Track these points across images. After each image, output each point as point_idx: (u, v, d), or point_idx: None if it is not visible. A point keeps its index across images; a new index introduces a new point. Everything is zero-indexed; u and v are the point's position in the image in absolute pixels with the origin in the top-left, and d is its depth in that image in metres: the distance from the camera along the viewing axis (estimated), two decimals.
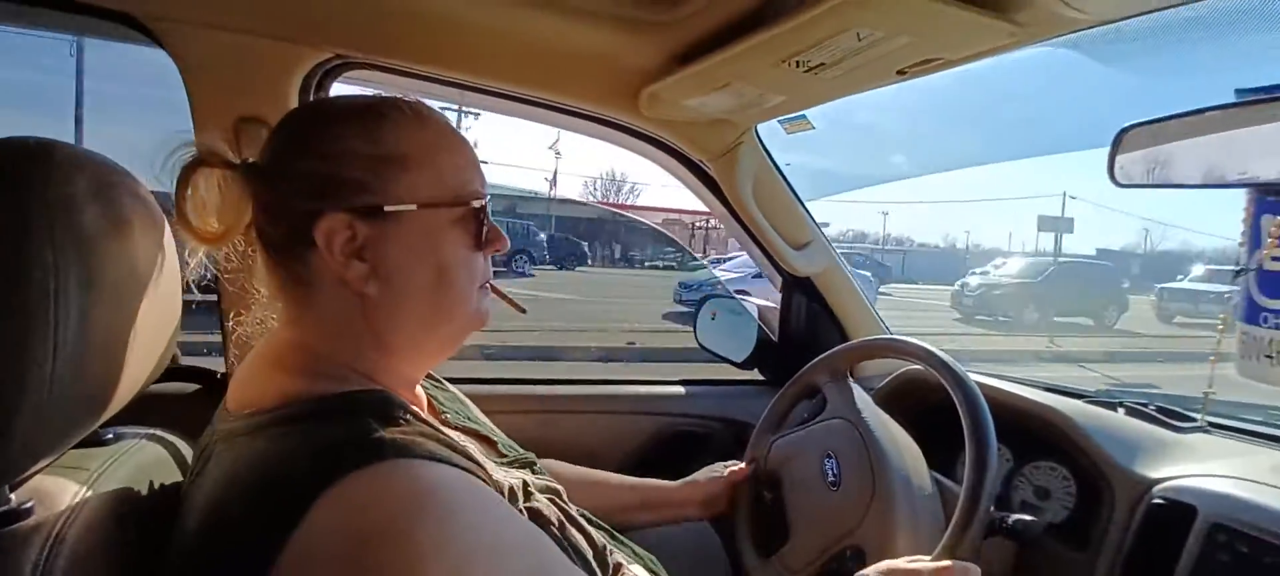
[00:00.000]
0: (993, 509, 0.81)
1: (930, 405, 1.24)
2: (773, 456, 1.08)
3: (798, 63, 0.88)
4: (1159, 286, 15.32)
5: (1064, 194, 28.41)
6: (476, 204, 0.61)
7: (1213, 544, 0.75)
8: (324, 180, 0.56)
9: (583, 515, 0.74)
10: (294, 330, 0.60)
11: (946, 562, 0.75)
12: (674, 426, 1.44)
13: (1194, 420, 1.02)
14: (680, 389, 1.50)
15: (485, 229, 0.62)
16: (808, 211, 1.43)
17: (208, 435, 0.58)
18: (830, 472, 0.98)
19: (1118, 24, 0.75)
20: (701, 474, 1.09)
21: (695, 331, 1.70)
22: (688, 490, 1.06)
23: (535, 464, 0.73)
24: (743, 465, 1.10)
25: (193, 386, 1.11)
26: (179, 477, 0.66)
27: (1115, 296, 14.49)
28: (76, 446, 0.54)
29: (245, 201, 0.59)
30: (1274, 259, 0.87)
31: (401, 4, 0.97)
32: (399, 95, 0.62)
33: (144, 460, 0.63)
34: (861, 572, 0.76)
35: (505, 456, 0.71)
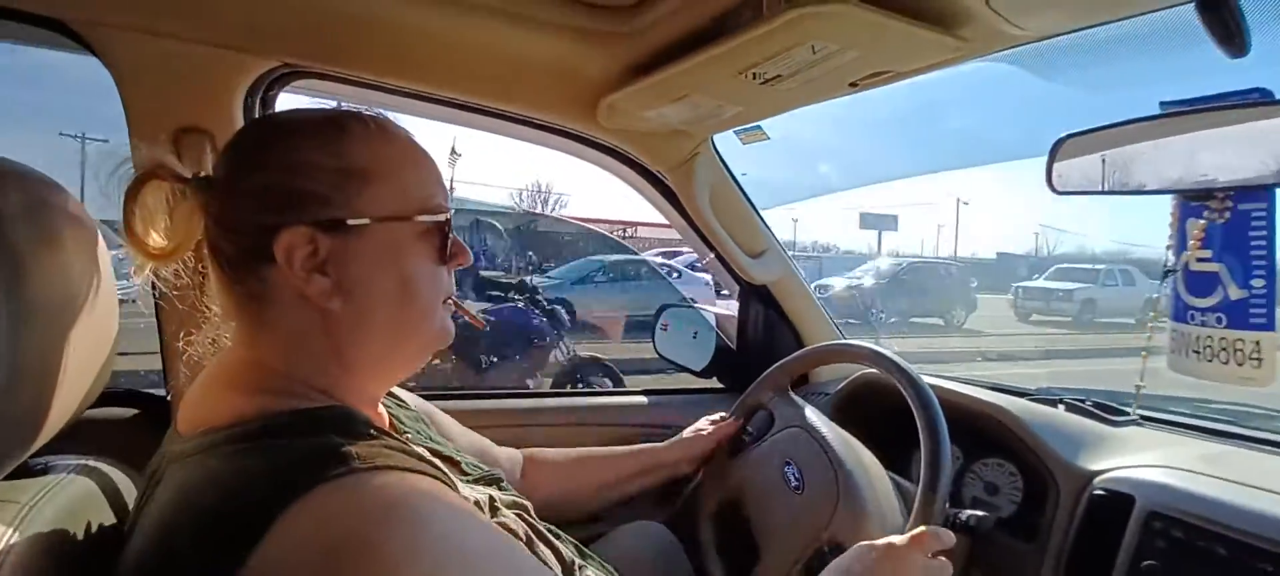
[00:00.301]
0: (947, 505, 0.84)
1: (884, 408, 1.27)
2: (731, 481, 1.08)
3: (754, 75, 0.89)
4: (1015, 285, 15.67)
5: (957, 200, 29.87)
6: (440, 217, 0.60)
7: (1150, 531, 0.79)
8: (284, 194, 0.54)
9: (549, 530, 0.73)
10: (250, 348, 0.58)
11: (921, 528, 0.78)
12: (637, 436, 1.43)
13: (1129, 414, 1.07)
14: (643, 399, 1.50)
15: (449, 242, 0.62)
16: (763, 221, 1.45)
17: (157, 459, 0.56)
18: (792, 478, 1.00)
19: (1054, 40, 0.80)
20: (688, 431, 1.15)
21: (654, 341, 1.71)
22: (678, 449, 1.12)
23: (501, 480, 0.72)
24: (726, 419, 1.15)
25: (130, 411, 1.05)
26: (117, 510, 0.62)
27: (963, 296, 14.55)
28: (5, 477, 0.51)
29: (196, 216, 0.56)
30: (1199, 260, 0.92)
31: (352, 11, 0.94)
32: (359, 107, 0.61)
33: (78, 492, 0.59)
34: (838, 559, 0.77)
35: (469, 475, 0.70)
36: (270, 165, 0.56)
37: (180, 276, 0.60)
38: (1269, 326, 0.88)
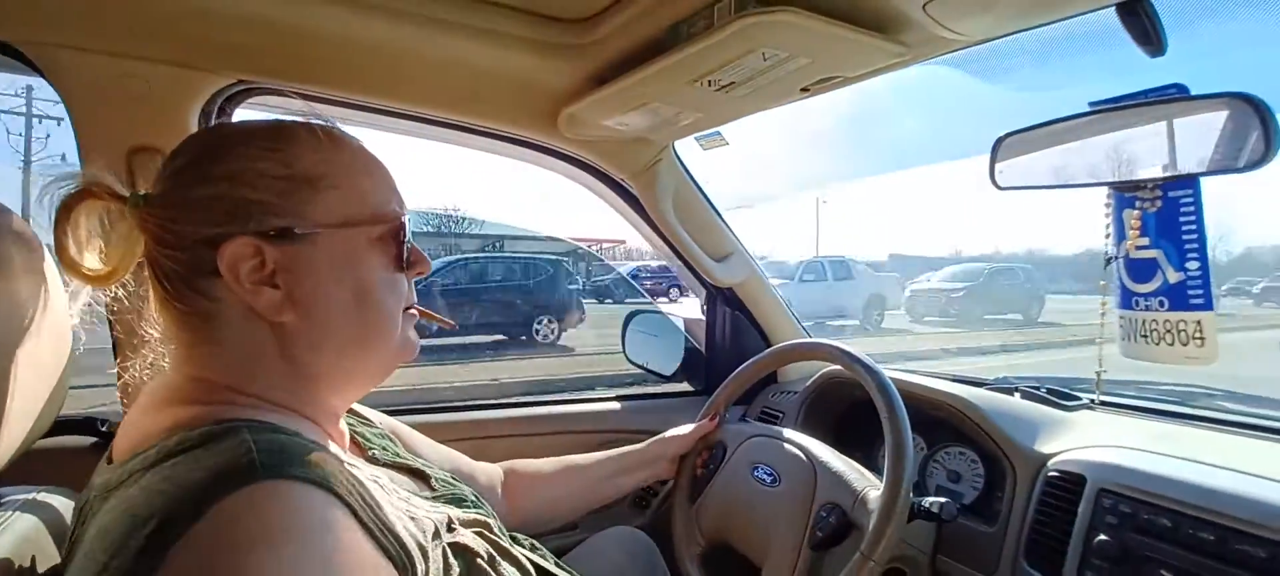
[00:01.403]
0: (912, 494, 0.86)
1: (850, 403, 1.30)
2: (706, 520, 1.09)
3: (709, 82, 0.91)
4: None
5: (817, 199, 31.44)
6: (396, 223, 0.59)
7: (1100, 507, 0.83)
8: (228, 204, 0.52)
9: (531, 542, 0.73)
10: (192, 366, 0.55)
11: None
12: (609, 442, 1.44)
13: (1080, 399, 1.12)
14: (615, 404, 1.51)
15: (407, 249, 0.60)
16: (727, 224, 1.48)
17: (85, 495, 0.52)
18: (766, 478, 1.02)
19: (994, 44, 0.83)
20: (666, 433, 1.16)
21: (623, 346, 1.72)
22: (657, 448, 1.14)
23: (464, 499, 0.70)
24: (706, 421, 1.18)
25: (87, 439, 1.03)
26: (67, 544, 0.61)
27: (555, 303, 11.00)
28: None
29: (136, 235, 0.54)
30: (1138, 248, 0.96)
31: (307, 27, 0.93)
32: (309, 117, 0.59)
33: (27, 528, 0.57)
34: None
35: (436, 491, 0.68)
36: (213, 176, 0.53)
37: (131, 299, 0.58)
38: (1207, 306, 0.92)
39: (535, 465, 1.05)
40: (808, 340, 1.24)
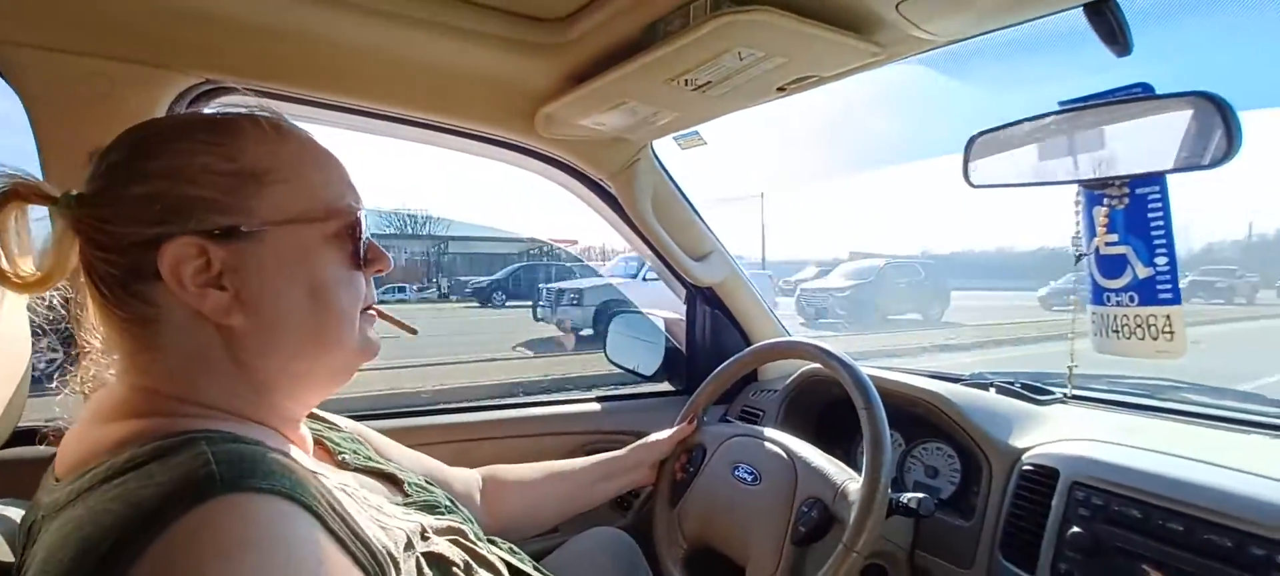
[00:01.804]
0: (890, 490, 0.87)
1: (829, 400, 1.31)
2: (689, 523, 1.09)
3: (686, 81, 0.91)
4: (545, 286, 12.77)
5: (761, 195, 32.24)
6: (350, 218, 0.56)
7: (1073, 499, 0.85)
8: (168, 202, 0.49)
9: (501, 545, 0.72)
10: (136, 375, 0.52)
11: None
12: (591, 443, 1.44)
13: (1053, 393, 1.14)
14: (596, 405, 1.51)
15: (364, 246, 0.58)
16: (706, 224, 1.48)
17: (32, 513, 0.49)
18: (747, 476, 1.02)
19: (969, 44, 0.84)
20: (647, 439, 1.16)
21: (605, 347, 1.72)
22: (638, 454, 1.14)
23: (438, 506, 0.68)
24: (684, 425, 1.18)
25: (50, 450, 1.00)
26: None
27: None
28: None
29: (69, 237, 0.51)
30: (1108, 244, 0.98)
31: (277, 25, 0.91)
32: (255, 110, 0.56)
33: None
34: None
35: (410, 496, 0.66)
36: (150, 173, 0.50)
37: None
38: (1176, 300, 0.94)
39: (516, 471, 1.04)
40: (786, 339, 1.25)
